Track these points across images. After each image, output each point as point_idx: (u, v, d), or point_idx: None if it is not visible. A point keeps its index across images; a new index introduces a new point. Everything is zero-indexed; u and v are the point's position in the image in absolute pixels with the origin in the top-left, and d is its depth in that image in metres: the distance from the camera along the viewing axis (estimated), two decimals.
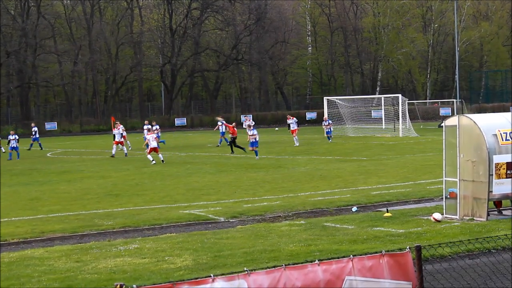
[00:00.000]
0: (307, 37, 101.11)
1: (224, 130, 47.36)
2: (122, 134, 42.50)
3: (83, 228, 18.02)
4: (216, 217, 19.12)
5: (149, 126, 46.92)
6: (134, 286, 7.29)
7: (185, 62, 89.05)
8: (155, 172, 32.00)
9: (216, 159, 38.19)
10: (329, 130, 51.10)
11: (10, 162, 41.04)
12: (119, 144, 42.36)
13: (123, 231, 17.69)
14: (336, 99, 62.40)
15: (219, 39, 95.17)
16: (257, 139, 37.71)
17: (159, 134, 44.84)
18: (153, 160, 35.81)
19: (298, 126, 48.85)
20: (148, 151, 36.66)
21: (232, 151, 40.93)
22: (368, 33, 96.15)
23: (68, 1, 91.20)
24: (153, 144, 36.37)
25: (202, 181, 27.79)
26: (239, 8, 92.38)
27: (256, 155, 37.12)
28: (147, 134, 37.33)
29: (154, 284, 7.68)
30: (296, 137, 47.05)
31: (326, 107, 60.24)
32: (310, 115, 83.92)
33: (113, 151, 41.62)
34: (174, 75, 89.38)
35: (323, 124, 52.67)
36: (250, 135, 38.10)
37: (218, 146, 47.36)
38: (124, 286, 6.99)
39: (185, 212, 20.14)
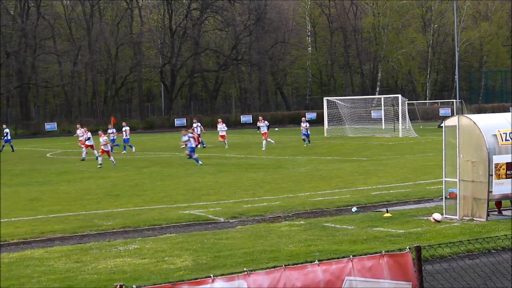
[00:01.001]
0: (307, 38, 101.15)
1: (199, 132, 46.23)
2: (89, 137, 41.19)
3: (83, 229, 18.01)
4: (216, 218, 19.11)
5: (127, 128, 47.15)
6: (134, 286, 7.29)
7: (185, 62, 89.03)
8: (155, 173, 32.01)
9: (216, 159, 38.18)
10: (306, 132, 46.03)
11: (11, 162, 41.03)
12: (90, 147, 40.76)
13: (123, 231, 17.68)
14: (336, 99, 62.36)
15: (219, 40, 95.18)
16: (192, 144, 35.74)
17: (115, 138, 44.45)
18: (100, 164, 35.48)
19: (268, 130, 45.46)
20: (100, 152, 36.32)
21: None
22: (368, 33, 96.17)
23: (68, 2, 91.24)
24: (107, 147, 36.50)
25: (202, 182, 27.79)
26: (239, 9, 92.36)
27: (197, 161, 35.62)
28: (101, 137, 36.83)
29: (154, 285, 7.68)
30: (264, 141, 44.57)
31: (326, 108, 60.23)
32: (310, 115, 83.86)
33: (96, 154, 39.78)
34: (174, 75, 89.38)
35: (301, 126, 46.90)
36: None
37: (204, 147, 46.04)
38: (124, 287, 6.99)
39: (185, 212, 20.14)
